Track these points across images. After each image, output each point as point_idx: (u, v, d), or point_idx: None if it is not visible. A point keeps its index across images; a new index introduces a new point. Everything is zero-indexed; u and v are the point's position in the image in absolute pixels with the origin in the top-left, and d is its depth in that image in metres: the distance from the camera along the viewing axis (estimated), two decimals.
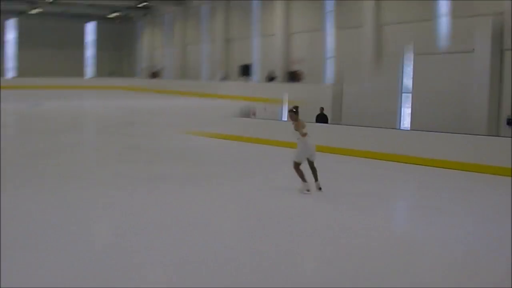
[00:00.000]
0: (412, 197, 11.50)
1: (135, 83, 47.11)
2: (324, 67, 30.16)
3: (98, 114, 22.42)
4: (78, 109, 24.96)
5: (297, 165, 9.82)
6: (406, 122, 23.54)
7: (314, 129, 21.94)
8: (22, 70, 52.59)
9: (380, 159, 15.31)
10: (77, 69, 54.97)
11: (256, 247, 6.13)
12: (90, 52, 56.78)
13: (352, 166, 14.30)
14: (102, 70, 55.45)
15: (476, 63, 20.38)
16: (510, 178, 12.44)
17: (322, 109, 22.91)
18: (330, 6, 29.68)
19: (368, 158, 15.48)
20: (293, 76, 31.32)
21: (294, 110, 9.95)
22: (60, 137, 13.98)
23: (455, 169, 13.86)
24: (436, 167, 14.05)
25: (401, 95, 24.09)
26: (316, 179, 9.97)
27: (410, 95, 23.57)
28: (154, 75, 48.20)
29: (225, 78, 36.98)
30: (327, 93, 26.04)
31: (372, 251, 6.61)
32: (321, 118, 22.51)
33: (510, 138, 14.14)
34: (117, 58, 56.61)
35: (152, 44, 51.49)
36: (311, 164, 10.00)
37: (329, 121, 22.84)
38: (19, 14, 51.00)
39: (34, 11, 47.44)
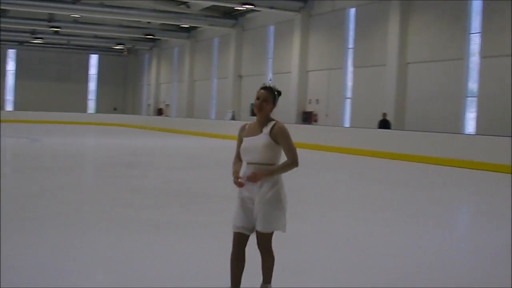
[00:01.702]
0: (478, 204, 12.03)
1: (140, 121, 46.87)
2: (343, 108, 29.66)
3: (99, 152, 22.29)
4: (78, 147, 24.78)
5: (237, 240, 4.91)
6: (470, 126, 23.53)
7: (376, 135, 23.74)
8: (20, 103, 52.72)
9: (443, 165, 17.63)
10: (79, 104, 55.10)
11: None
12: (93, 85, 56.87)
13: (418, 173, 16.25)
14: (105, 105, 55.50)
15: None
16: None
17: (384, 114, 24.64)
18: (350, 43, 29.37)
19: (430, 164, 18.31)
20: (307, 117, 30.95)
21: (278, 92, 4.95)
22: (57, 176, 13.73)
23: None
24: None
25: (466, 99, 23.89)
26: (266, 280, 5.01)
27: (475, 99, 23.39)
28: (160, 112, 47.99)
29: (235, 117, 36.54)
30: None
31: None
32: (384, 124, 24.32)
33: None
34: (122, 93, 56.63)
35: (159, 78, 51.38)
36: (259, 240, 4.86)
37: (391, 127, 24.50)
38: (19, 44, 51.31)
39: (35, 41, 47.62)
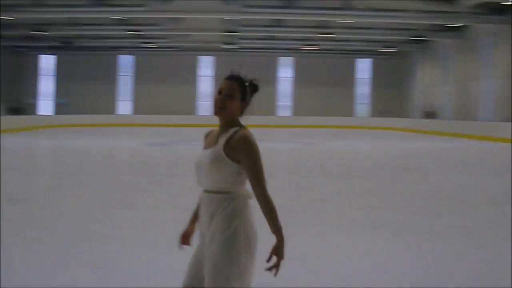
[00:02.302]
0: None
1: (410, 124, 47.46)
2: None
3: (370, 156, 23.65)
4: (351, 150, 26.62)
5: None
6: None
7: None
8: (298, 108, 56.75)
9: None
10: (346, 108, 57.58)
11: None
12: (363, 89, 58.62)
13: None
14: (377, 108, 57.07)
15: None
16: None
17: None
18: None
19: None
20: None
21: (252, 85, 3.48)
22: (331, 179, 14.87)
23: None
24: None
25: None
26: None
27: None
28: (429, 115, 47.96)
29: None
30: None
31: None
32: None
33: None
34: (391, 96, 57.62)
35: (428, 80, 51.33)
36: None
37: None
38: (294, 51, 55.06)
39: (307, 48, 50.75)
